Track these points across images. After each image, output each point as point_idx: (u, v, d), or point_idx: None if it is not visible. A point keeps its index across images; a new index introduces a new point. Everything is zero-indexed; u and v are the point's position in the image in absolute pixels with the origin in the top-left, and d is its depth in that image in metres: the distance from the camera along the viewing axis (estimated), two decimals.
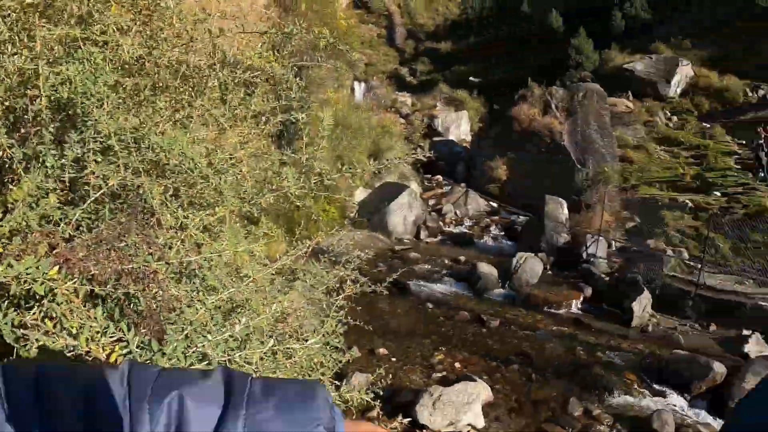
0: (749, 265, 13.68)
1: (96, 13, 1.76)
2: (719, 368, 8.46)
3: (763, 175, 19.57)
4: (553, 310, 11.66)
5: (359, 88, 35.58)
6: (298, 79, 3.10)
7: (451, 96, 38.59)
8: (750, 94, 28.26)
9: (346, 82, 27.57)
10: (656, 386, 8.50)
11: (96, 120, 1.60)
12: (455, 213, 21.79)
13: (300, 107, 3.51)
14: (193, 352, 1.92)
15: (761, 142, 19.96)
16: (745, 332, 10.36)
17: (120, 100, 1.82)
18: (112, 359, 1.41)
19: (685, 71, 29.64)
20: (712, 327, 11.31)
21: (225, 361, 2.02)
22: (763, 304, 11.65)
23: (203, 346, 1.96)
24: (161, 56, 2.01)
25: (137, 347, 1.53)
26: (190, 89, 2.40)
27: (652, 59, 30.51)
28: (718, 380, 8.39)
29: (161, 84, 2.14)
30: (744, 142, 22.26)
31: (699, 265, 13.11)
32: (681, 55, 30.79)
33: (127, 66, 1.91)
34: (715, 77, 29.04)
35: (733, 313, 11.63)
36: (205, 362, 1.92)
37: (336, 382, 2.70)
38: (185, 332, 1.91)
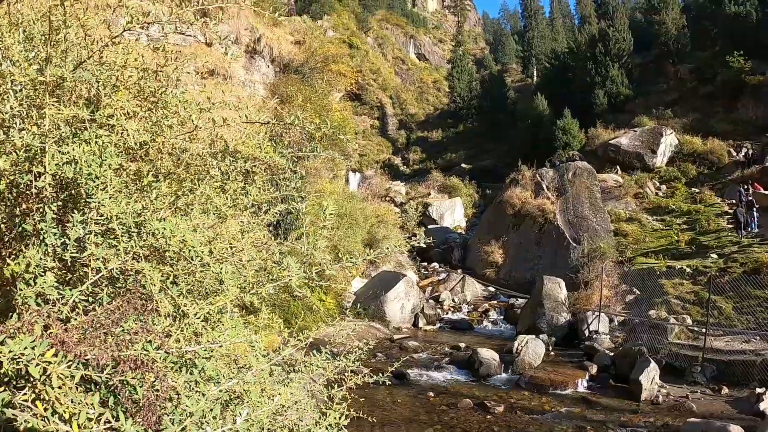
0: (754, 322, 13.49)
1: (104, 96, 1.80)
2: (737, 431, 8.11)
3: (748, 230, 19.71)
4: (559, 391, 11.31)
5: (354, 178, 36.31)
6: (297, 168, 3.14)
7: (444, 183, 39.34)
8: (734, 153, 28.97)
9: (341, 173, 28.17)
10: None
11: (99, 202, 1.59)
12: (453, 299, 21.60)
13: (299, 197, 3.53)
14: None
15: (747, 199, 20.29)
16: (759, 390, 10.06)
17: (123, 184, 1.83)
18: None
19: (669, 140, 30.44)
20: (724, 390, 11.00)
21: None
22: None
23: None
24: (165, 143, 2.05)
25: None
26: (192, 176, 2.42)
27: (636, 132, 31.42)
28: None
29: (164, 170, 2.16)
30: (734, 201, 22.54)
31: (703, 329, 12.91)
32: (663, 124, 31.74)
33: (131, 150, 1.94)
34: (699, 142, 29.82)
35: (743, 373, 11.36)
36: None
37: None
38: (184, 424, 1.82)
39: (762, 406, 9.56)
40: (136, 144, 1.88)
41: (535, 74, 57.88)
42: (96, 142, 1.65)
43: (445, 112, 56.88)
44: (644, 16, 45.58)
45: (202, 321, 2.30)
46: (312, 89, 22.69)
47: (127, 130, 1.82)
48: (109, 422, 1.39)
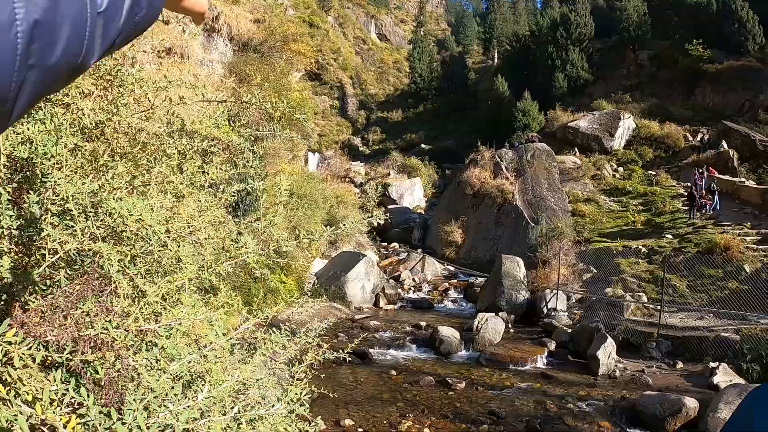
0: (707, 299, 14.10)
1: None
2: (691, 403, 8.52)
3: (702, 212, 20.48)
4: (518, 367, 11.64)
5: (313, 159, 36.04)
6: (254, 148, 3.13)
7: (404, 163, 39.45)
8: (690, 138, 29.95)
9: (300, 153, 27.92)
10: (631, 429, 8.45)
11: (55, 182, 1.57)
12: (413, 279, 21.82)
13: (257, 176, 3.52)
14: (154, 422, 1.84)
15: (698, 182, 21.06)
16: (712, 364, 10.58)
17: (79, 164, 1.81)
18: (69, 428, 1.33)
19: (627, 124, 31.26)
20: (679, 364, 11.50)
21: (189, 430, 1.95)
22: (726, 335, 11.96)
23: (164, 416, 1.88)
24: (121, 122, 2.02)
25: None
26: (149, 156, 2.40)
27: (595, 115, 32.13)
28: (692, 415, 8.43)
29: (120, 150, 2.14)
30: (689, 184, 23.41)
31: (658, 307, 13.44)
32: (622, 109, 32.61)
33: (86, 130, 1.91)
34: (656, 126, 30.77)
35: (697, 348, 11.91)
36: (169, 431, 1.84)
37: None
38: (145, 401, 1.83)
39: (715, 379, 10.03)
40: (91, 123, 1.85)
41: (496, 56, 58.16)
42: (52, 121, 1.62)
43: (405, 92, 56.84)
44: (606, 3, 46.23)
45: (161, 300, 2.30)
46: (271, 69, 22.31)
47: (82, 110, 1.79)
48: (73, 400, 1.39)
